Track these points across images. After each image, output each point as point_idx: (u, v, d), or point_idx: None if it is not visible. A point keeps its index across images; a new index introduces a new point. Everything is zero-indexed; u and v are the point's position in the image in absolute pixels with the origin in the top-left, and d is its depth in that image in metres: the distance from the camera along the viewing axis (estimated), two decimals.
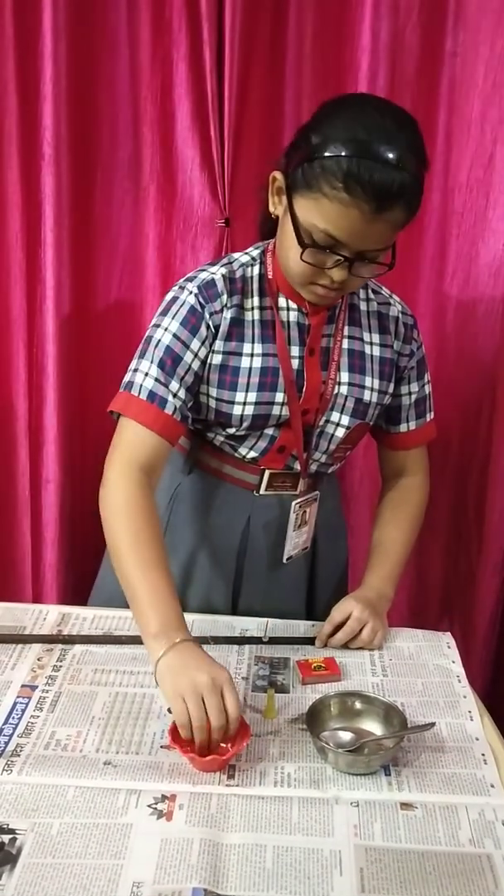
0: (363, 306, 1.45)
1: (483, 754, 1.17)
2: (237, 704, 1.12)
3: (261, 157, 1.88)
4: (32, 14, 1.77)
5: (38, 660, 1.34)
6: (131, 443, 1.32)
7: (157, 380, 1.32)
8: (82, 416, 2.06)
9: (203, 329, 1.34)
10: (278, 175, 1.28)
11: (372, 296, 1.46)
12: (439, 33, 1.81)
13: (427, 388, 1.56)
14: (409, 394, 1.52)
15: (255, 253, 1.41)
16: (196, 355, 1.34)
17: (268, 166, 1.87)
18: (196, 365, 1.35)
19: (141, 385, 1.32)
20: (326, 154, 1.16)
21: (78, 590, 2.10)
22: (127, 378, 1.35)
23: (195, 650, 1.18)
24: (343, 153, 1.15)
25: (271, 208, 1.32)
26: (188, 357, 1.34)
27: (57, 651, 1.36)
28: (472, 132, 1.82)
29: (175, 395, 1.32)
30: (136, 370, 1.34)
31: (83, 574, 2.06)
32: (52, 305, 1.93)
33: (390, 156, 1.14)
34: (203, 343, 1.34)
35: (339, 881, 0.96)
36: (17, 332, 1.98)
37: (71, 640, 1.39)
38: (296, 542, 1.52)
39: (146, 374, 1.33)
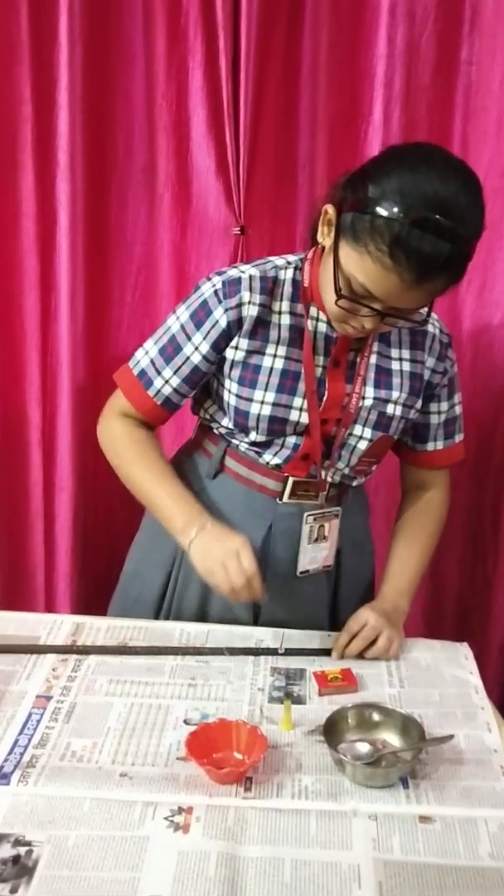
0: None
1: (502, 766, 1.16)
2: (253, 562, 1.30)
3: (276, 164, 1.88)
4: (48, 22, 1.78)
5: (53, 670, 1.33)
6: (122, 406, 1.47)
7: (152, 362, 1.42)
8: (95, 425, 2.05)
9: (208, 324, 1.36)
10: (330, 209, 1.25)
11: None
12: (455, 41, 1.81)
13: (458, 409, 1.54)
14: (439, 412, 1.51)
15: (294, 258, 1.41)
16: (197, 349, 1.38)
17: (283, 175, 1.90)
18: (196, 358, 1.39)
19: (138, 361, 1.44)
20: (379, 211, 1.14)
21: (91, 599, 2.09)
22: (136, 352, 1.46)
23: (217, 527, 1.35)
24: (395, 216, 1.12)
25: (319, 238, 1.30)
26: (188, 349, 1.39)
27: (71, 661, 1.36)
28: (489, 140, 1.82)
29: (167, 382, 1.41)
30: (143, 347, 1.45)
31: (96, 583, 2.06)
32: (66, 313, 1.94)
33: (443, 227, 1.11)
34: (206, 337, 1.37)
35: (359, 895, 0.95)
36: (31, 339, 1.98)
37: (85, 650, 1.39)
38: (312, 556, 1.49)
39: (146, 353, 1.43)
